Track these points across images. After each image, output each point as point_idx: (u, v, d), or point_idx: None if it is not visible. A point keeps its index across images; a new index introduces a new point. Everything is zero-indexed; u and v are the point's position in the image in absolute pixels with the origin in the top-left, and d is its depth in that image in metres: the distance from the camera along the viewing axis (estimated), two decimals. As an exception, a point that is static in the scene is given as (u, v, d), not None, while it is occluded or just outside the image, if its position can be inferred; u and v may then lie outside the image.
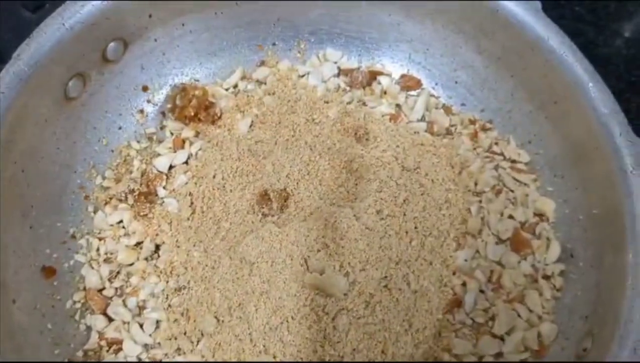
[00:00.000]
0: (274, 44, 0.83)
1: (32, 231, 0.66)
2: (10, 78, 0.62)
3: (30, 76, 0.63)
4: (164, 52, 0.78)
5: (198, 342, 0.65)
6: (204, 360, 0.64)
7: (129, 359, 0.65)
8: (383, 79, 0.82)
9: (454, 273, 0.69)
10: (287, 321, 0.62)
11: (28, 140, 0.65)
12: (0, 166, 0.61)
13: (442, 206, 0.72)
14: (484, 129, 0.79)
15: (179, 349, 0.65)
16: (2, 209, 0.62)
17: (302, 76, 0.82)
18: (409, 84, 0.82)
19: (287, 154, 0.72)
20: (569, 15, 0.94)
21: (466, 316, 0.68)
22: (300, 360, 0.61)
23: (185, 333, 0.65)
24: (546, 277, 0.69)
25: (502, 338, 0.66)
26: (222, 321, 0.64)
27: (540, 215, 0.73)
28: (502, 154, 0.77)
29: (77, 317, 0.67)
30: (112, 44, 0.72)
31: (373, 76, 0.82)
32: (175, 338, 0.65)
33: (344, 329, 0.62)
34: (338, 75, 0.83)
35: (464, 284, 0.69)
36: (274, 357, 0.62)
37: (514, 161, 0.76)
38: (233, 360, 0.63)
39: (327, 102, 0.79)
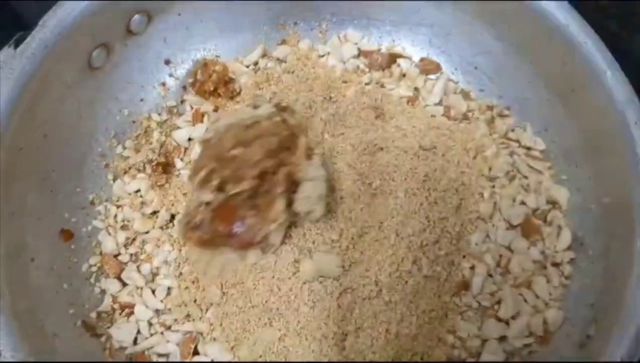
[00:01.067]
0: (295, 24, 0.84)
1: (53, 195, 0.69)
2: (36, 44, 0.64)
3: (55, 43, 0.65)
4: (187, 27, 0.79)
5: (207, 309, 0.67)
6: (211, 327, 0.66)
7: (140, 323, 0.67)
8: (403, 62, 0.83)
9: (463, 257, 0.70)
10: (287, 302, 0.64)
11: (51, 106, 0.67)
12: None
13: (459, 188, 0.72)
14: (501, 115, 0.79)
15: (188, 315, 0.67)
16: (24, 172, 0.64)
17: (322, 56, 0.83)
18: (428, 67, 0.82)
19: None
20: (592, 7, 0.92)
21: (473, 299, 0.68)
22: (305, 335, 0.63)
23: (195, 301, 0.67)
24: (555, 264, 0.69)
25: (507, 323, 0.67)
26: (226, 293, 0.66)
27: (553, 203, 0.73)
28: (517, 141, 0.77)
29: (92, 280, 0.69)
30: (136, 17, 0.73)
31: (393, 58, 0.83)
32: (185, 305, 0.67)
33: (348, 307, 0.63)
34: (358, 56, 0.83)
35: (472, 267, 0.69)
36: (279, 330, 0.63)
37: (529, 149, 0.76)
38: (239, 329, 0.64)
39: (345, 82, 0.80)
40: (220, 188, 0.62)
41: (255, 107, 0.64)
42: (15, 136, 0.62)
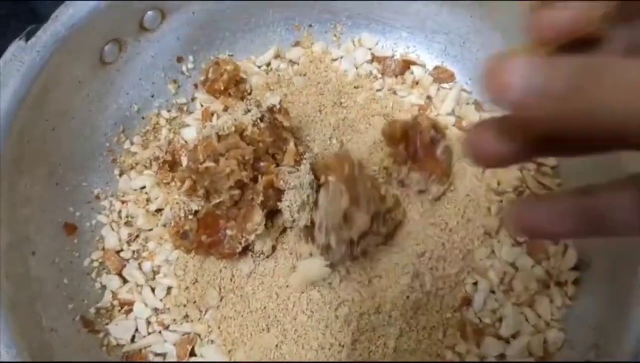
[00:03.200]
0: (310, 26, 0.83)
1: (58, 188, 0.69)
2: (46, 38, 0.64)
3: (66, 37, 0.65)
4: (201, 26, 0.79)
5: (206, 311, 0.67)
6: (209, 330, 0.66)
7: (139, 321, 0.67)
8: (416, 69, 0.82)
9: (468, 273, 0.69)
10: (285, 309, 0.63)
11: (61, 100, 0.67)
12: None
13: (467, 202, 0.71)
14: (514, 129, 0.78)
15: (186, 316, 0.67)
16: (30, 165, 0.64)
17: (335, 59, 0.82)
18: (442, 76, 0.81)
19: (309, 132, 0.73)
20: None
21: (474, 315, 0.67)
22: (302, 344, 0.62)
23: (194, 302, 0.67)
24: (559, 284, 0.68)
25: (507, 341, 0.66)
26: (224, 297, 0.66)
27: (561, 221, 0.72)
28: (528, 156, 0.75)
29: (93, 275, 0.69)
30: (149, 13, 0.73)
31: (406, 65, 0.82)
32: (184, 306, 0.67)
33: (345, 320, 0.62)
34: (371, 61, 0.82)
35: (475, 283, 0.68)
36: (276, 337, 0.63)
37: (540, 164, 0.75)
38: (236, 334, 0.64)
39: (356, 88, 0.79)
40: (207, 197, 0.62)
41: (247, 111, 0.64)
42: (22, 128, 0.62)
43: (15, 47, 0.63)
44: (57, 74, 0.66)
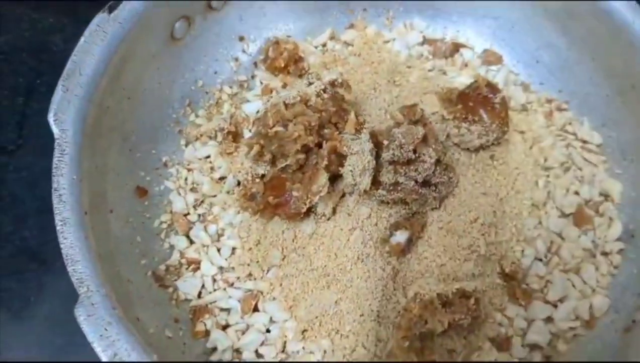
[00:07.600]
0: (364, 10, 0.88)
1: (131, 154, 0.73)
2: (126, 13, 0.69)
3: (141, 13, 0.70)
4: (262, 7, 0.84)
5: (268, 270, 0.71)
6: (271, 287, 0.70)
7: (205, 278, 0.71)
8: (465, 52, 0.85)
9: (517, 241, 0.72)
10: (344, 269, 0.68)
11: (136, 71, 0.72)
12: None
13: (516, 175, 0.75)
14: (560, 109, 0.81)
15: (250, 274, 0.71)
16: (108, 130, 0.69)
17: (387, 41, 0.86)
18: (490, 59, 0.85)
19: (365, 107, 0.78)
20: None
21: (523, 281, 0.71)
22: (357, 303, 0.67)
23: (257, 262, 0.71)
24: (604, 254, 0.71)
25: (554, 305, 0.69)
26: (286, 256, 0.70)
27: (605, 195, 0.75)
28: (574, 134, 0.79)
29: (162, 236, 0.73)
30: (216, -8, 0.78)
31: (456, 47, 0.86)
32: (248, 265, 0.71)
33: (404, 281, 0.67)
34: (422, 44, 0.86)
35: (523, 251, 0.72)
36: (336, 294, 0.67)
37: (585, 142, 0.78)
38: (297, 290, 0.68)
39: (409, 67, 0.83)
40: (272, 162, 0.67)
41: (309, 84, 0.68)
42: (104, 95, 0.67)
43: (100, 19, 0.68)
44: (134, 47, 0.71)
